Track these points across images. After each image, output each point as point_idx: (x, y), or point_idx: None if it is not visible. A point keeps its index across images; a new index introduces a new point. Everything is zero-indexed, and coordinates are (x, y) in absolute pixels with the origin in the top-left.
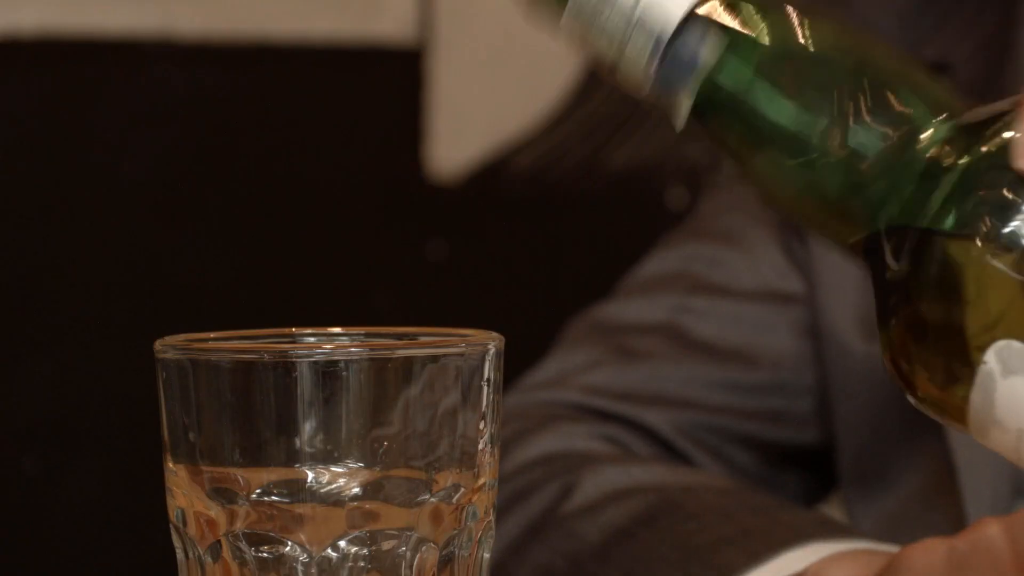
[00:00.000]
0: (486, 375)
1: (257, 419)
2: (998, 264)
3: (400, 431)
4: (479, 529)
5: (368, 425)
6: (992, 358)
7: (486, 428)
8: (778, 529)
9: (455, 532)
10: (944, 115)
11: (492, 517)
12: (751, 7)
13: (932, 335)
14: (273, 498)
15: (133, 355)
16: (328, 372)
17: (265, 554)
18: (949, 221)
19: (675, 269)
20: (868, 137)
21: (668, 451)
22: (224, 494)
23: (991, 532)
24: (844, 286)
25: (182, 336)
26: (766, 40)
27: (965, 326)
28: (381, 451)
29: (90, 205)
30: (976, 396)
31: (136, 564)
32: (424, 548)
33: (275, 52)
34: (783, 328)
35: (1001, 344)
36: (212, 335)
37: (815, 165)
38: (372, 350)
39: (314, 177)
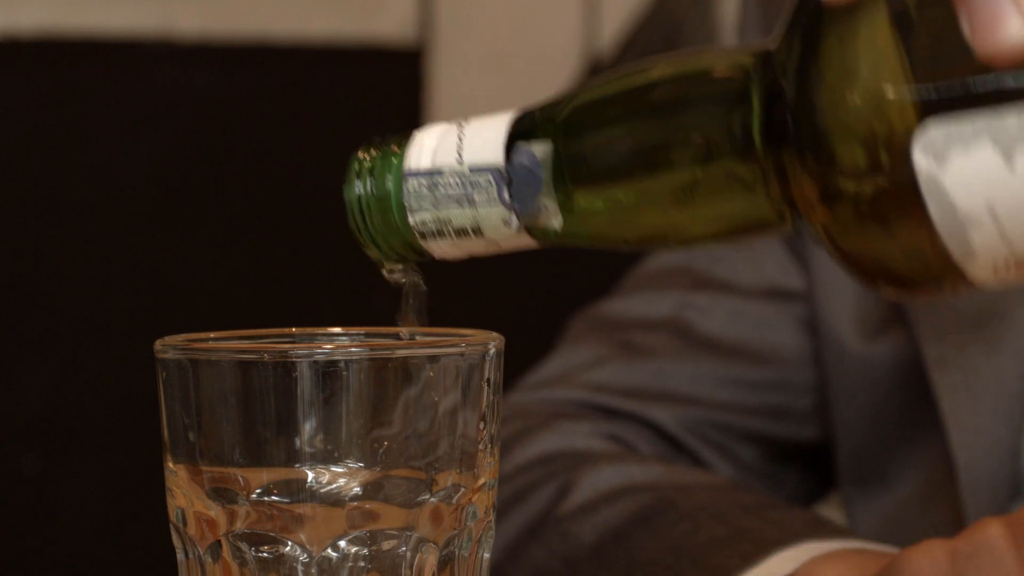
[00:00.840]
0: (486, 375)
1: (257, 419)
2: (857, 70)
3: (400, 431)
4: (479, 529)
5: (368, 425)
6: (920, 157)
7: (486, 428)
8: (770, 529)
9: (455, 532)
10: (752, 55)
11: (492, 517)
12: (553, 103)
13: (859, 191)
14: (273, 498)
15: (133, 355)
16: (328, 372)
17: (265, 554)
18: (802, 84)
19: (677, 265)
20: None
21: (674, 448)
22: (224, 494)
23: (993, 532)
24: (840, 287)
25: (182, 336)
26: (576, 111)
27: (875, 151)
28: (381, 451)
29: (90, 205)
30: (935, 210)
31: (136, 564)
32: (424, 548)
33: (275, 52)
34: (786, 325)
35: (918, 139)
36: (212, 335)
37: (691, 162)
38: (372, 350)
39: (314, 177)
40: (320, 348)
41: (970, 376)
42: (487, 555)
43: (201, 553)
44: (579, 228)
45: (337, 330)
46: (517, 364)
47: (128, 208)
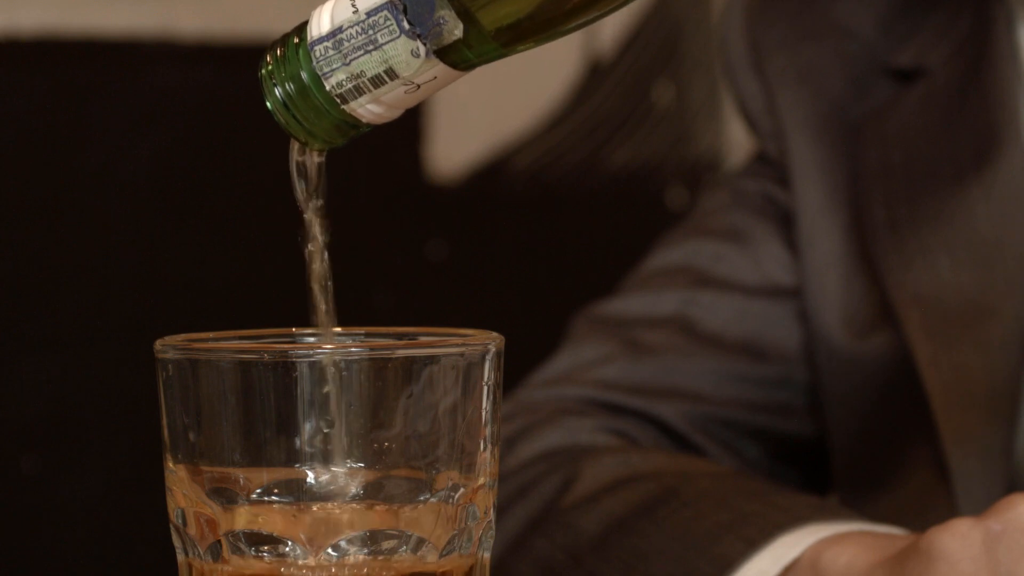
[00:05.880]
0: (486, 375)
1: (257, 419)
2: None
3: (400, 431)
4: (479, 529)
5: (368, 425)
6: None
7: (486, 428)
8: (773, 513)
9: (455, 532)
10: None
11: (492, 517)
12: None
13: None
14: (273, 498)
15: (133, 355)
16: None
17: (265, 554)
18: None
19: (679, 264)
20: None
21: (680, 444)
22: (224, 494)
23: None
24: (828, 287)
25: (182, 336)
26: None
27: None
28: (381, 451)
29: (90, 205)
30: None
31: (136, 564)
32: (424, 548)
33: None
34: (788, 322)
35: None
36: (212, 335)
37: None
38: (372, 350)
39: None
40: (320, 348)
41: (961, 374)
42: (487, 555)
43: (201, 553)
44: (481, 28)
45: (337, 330)
46: (517, 364)
47: (128, 208)
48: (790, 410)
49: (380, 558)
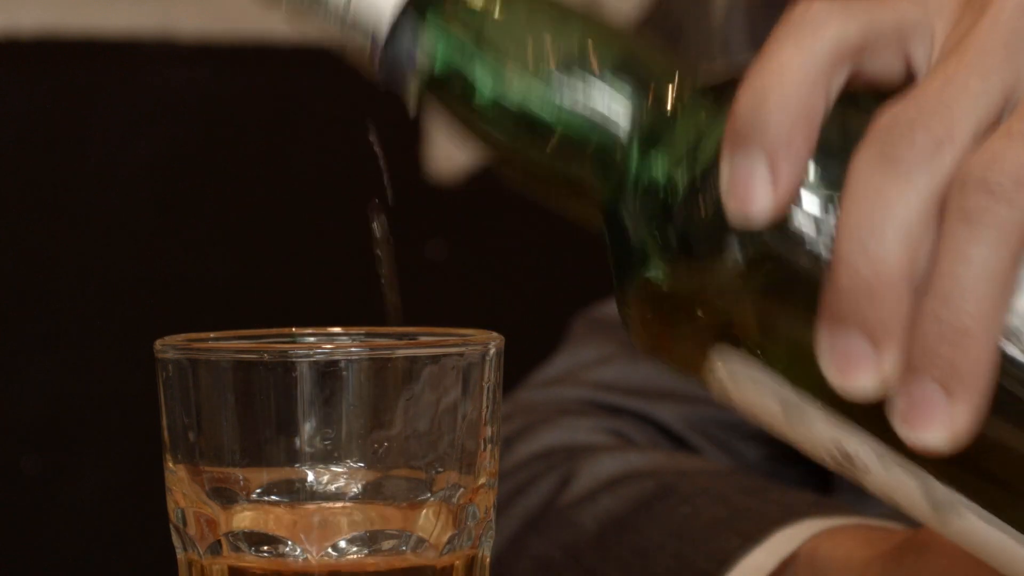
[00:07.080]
0: (486, 375)
1: (257, 419)
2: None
3: (400, 431)
4: (479, 529)
5: (368, 425)
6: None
7: (486, 428)
8: (770, 508)
9: (455, 532)
10: (678, 75)
11: (492, 517)
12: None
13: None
14: (273, 498)
15: (133, 355)
16: (328, 372)
17: (265, 554)
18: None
19: None
20: (603, 94)
21: (678, 445)
22: (224, 494)
23: None
24: None
25: (182, 336)
26: (477, 22)
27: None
28: (381, 451)
29: (90, 205)
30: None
31: (136, 564)
32: (424, 548)
33: (275, 52)
34: None
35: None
36: (212, 335)
37: (551, 131)
38: (372, 350)
39: (314, 177)
40: (320, 348)
41: None
42: (487, 554)
43: (201, 553)
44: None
45: (337, 330)
46: (517, 364)
47: (128, 208)
48: None
49: (380, 558)
